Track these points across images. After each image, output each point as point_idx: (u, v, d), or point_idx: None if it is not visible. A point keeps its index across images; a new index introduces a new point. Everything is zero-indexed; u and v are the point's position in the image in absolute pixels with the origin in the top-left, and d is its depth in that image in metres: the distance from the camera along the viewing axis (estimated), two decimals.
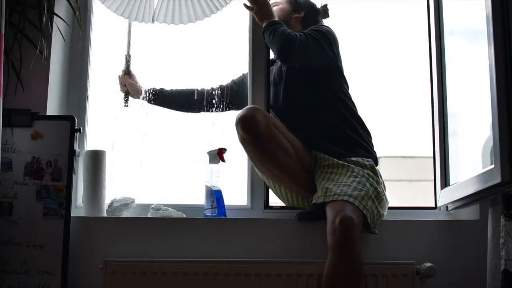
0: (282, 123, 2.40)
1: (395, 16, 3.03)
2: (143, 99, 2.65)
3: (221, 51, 2.68)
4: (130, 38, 2.63)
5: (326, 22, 2.64)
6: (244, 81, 2.63)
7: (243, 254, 2.23)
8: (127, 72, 2.62)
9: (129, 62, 2.63)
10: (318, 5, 2.63)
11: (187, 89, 2.68)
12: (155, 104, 2.66)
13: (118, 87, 2.64)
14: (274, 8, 2.57)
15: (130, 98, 2.63)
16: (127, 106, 2.63)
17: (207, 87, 2.68)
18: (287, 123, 2.40)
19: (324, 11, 2.62)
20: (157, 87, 2.67)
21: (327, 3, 2.62)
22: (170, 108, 2.68)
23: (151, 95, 2.65)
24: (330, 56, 2.40)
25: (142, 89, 2.65)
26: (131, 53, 2.63)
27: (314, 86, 2.41)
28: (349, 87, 2.47)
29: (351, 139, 2.34)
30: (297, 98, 2.42)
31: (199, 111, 2.66)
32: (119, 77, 2.63)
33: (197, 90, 2.67)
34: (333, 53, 2.40)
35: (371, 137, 2.42)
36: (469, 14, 2.15)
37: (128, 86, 2.62)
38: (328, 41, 2.40)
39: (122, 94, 2.64)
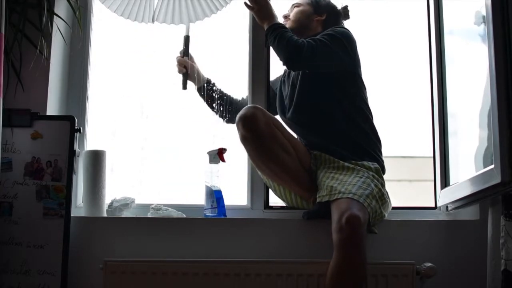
0: (290, 123, 2.40)
1: (395, 16, 3.03)
2: (199, 88, 2.59)
3: (221, 51, 2.68)
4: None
5: None
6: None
7: (243, 254, 2.23)
8: (186, 54, 2.55)
9: (188, 43, 2.54)
10: (339, 7, 2.60)
11: (230, 96, 2.63)
12: (205, 96, 2.58)
13: (175, 69, 2.55)
14: (295, 10, 2.55)
15: (188, 81, 2.55)
16: (186, 89, 2.53)
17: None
18: (295, 123, 2.40)
19: (344, 13, 2.58)
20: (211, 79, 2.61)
21: (347, 5, 2.59)
22: (211, 105, 2.60)
23: (207, 84, 2.58)
24: (342, 59, 2.36)
25: (201, 74, 2.59)
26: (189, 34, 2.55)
27: (326, 89, 2.39)
28: (366, 90, 2.45)
29: (359, 145, 2.33)
30: (307, 100, 2.40)
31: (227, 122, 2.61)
32: (177, 58, 2.56)
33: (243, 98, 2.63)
34: (347, 56, 2.37)
35: (380, 145, 2.40)
36: (469, 14, 2.15)
37: (189, 68, 2.54)
38: (341, 44, 2.36)
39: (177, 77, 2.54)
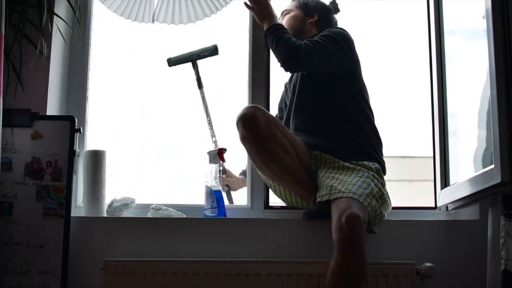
0: (293, 123, 2.41)
1: (395, 16, 3.04)
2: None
3: (221, 51, 2.68)
4: (215, 140, 2.54)
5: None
6: None
7: (243, 254, 2.23)
8: (224, 172, 2.54)
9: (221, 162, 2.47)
10: (327, 2, 2.60)
11: None
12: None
13: None
14: (286, 17, 2.56)
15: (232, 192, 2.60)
16: (233, 203, 2.56)
17: None
18: (297, 124, 2.40)
19: (334, 8, 2.59)
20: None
21: None
22: None
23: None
24: (340, 60, 2.36)
25: (239, 177, 2.61)
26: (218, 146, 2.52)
27: (325, 90, 2.39)
28: (368, 90, 2.45)
29: (360, 146, 2.33)
30: (307, 101, 2.40)
31: None
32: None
33: None
34: (344, 56, 2.37)
35: (382, 146, 2.40)
36: (469, 14, 2.15)
37: (230, 184, 2.57)
38: (338, 44, 2.36)
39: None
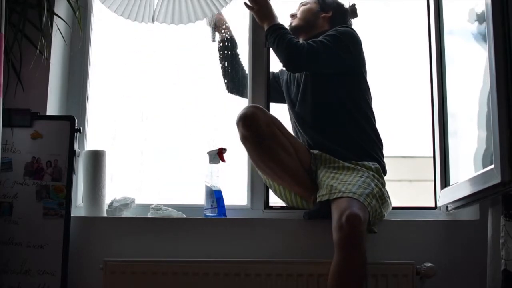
0: (295, 121, 2.41)
1: (395, 16, 3.03)
2: (225, 40, 2.63)
3: None
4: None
5: None
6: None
7: (243, 254, 2.23)
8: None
9: None
10: (346, 5, 2.59)
11: (244, 68, 2.64)
12: (226, 53, 2.63)
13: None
14: (302, 8, 2.57)
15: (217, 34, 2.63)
16: (214, 41, 2.61)
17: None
18: (299, 123, 2.41)
19: (352, 11, 2.58)
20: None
21: (355, 3, 2.59)
22: (225, 67, 2.62)
23: (230, 42, 2.64)
24: (344, 61, 2.37)
25: (227, 24, 2.64)
26: None
27: (328, 89, 2.39)
28: (371, 92, 2.45)
29: (360, 146, 2.33)
30: (311, 100, 2.40)
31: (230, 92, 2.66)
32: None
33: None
34: (349, 57, 2.37)
35: (382, 146, 2.40)
36: (469, 14, 2.15)
37: (218, 21, 2.61)
38: (343, 45, 2.36)
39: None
